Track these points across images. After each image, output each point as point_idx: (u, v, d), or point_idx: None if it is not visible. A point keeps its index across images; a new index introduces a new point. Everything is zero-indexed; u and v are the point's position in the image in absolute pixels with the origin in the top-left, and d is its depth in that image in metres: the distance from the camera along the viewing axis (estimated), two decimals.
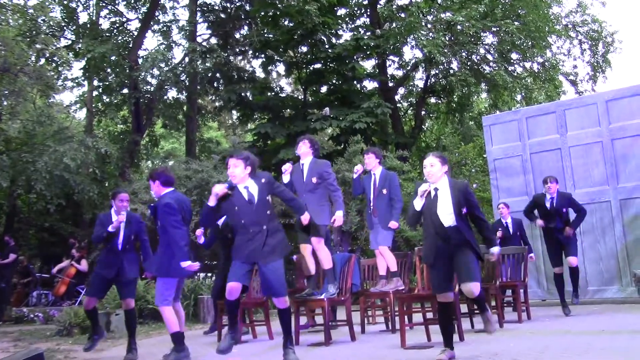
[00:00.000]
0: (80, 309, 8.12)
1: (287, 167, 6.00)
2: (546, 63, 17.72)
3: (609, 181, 8.42)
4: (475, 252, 4.23)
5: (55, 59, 13.68)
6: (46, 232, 15.87)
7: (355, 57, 16.62)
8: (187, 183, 11.39)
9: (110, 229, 5.56)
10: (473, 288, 4.14)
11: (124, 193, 5.90)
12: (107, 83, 17.24)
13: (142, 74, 15.34)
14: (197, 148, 19.86)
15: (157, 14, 17.80)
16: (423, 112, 19.95)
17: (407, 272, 6.73)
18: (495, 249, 4.49)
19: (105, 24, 18.15)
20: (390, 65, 19.14)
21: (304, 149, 5.99)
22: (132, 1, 17.92)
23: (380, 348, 5.28)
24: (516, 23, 15.86)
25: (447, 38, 15.26)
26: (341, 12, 18.13)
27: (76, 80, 17.82)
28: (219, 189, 4.47)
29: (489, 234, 4.45)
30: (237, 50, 18.86)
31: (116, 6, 18.07)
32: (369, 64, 18.71)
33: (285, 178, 5.96)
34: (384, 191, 6.33)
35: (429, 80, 18.49)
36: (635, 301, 7.67)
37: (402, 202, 6.46)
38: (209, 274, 13.16)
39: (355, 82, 17.51)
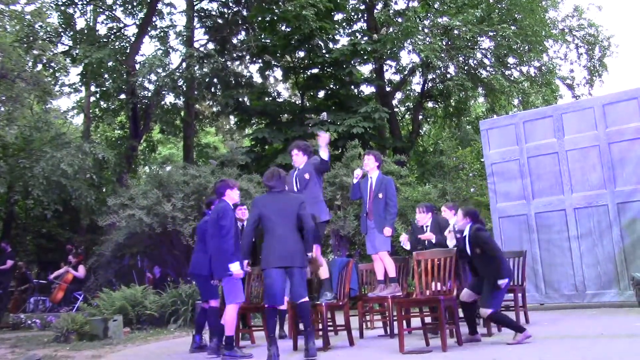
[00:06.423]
0: (78, 315, 8.08)
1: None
2: (543, 67, 17.75)
3: (606, 185, 8.41)
4: (494, 280, 5.12)
5: (52, 64, 13.67)
6: (43, 238, 15.82)
7: (352, 62, 16.61)
8: (184, 188, 11.36)
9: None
10: (483, 313, 5.20)
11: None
12: (104, 89, 17.22)
13: (140, 79, 15.32)
14: (195, 153, 19.87)
15: (154, 19, 17.79)
16: (420, 117, 19.98)
17: (405, 277, 6.72)
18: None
19: (102, 30, 18.20)
20: (387, 70, 19.18)
21: (298, 159, 6.21)
22: (129, 7, 17.94)
23: (378, 353, 5.27)
24: (513, 27, 15.91)
25: (444, 43, 15.29)
26: (338, 17, 18.14)
27: (73, 86, 17.85)
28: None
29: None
30: (235, 55, 18.86)
31: (113, 12, 18.08)
32: (366, 69, 18.75)
33: None
34: (380, 195, 6.37)
35: (426, 85, 18.52)
36: (633, 305, 7.67)
37: (397, 208, 6.51)
38: None
39: (352, 86, 17.50)
